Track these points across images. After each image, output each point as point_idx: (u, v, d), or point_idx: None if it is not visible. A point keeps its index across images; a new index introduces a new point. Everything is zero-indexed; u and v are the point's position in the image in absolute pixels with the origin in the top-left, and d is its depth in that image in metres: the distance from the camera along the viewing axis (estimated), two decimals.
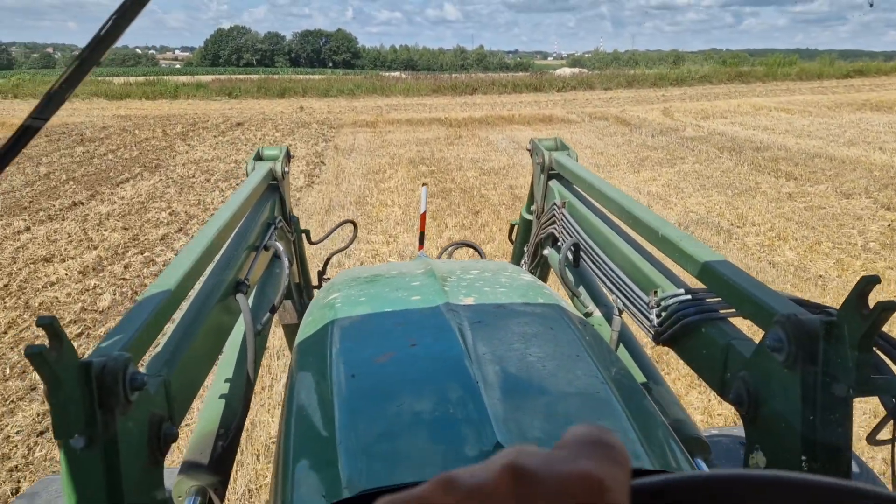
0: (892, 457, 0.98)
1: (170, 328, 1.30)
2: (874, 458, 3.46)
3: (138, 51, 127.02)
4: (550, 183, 2.37)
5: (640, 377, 1.67)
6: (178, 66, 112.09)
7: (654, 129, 18.13)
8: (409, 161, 14.21)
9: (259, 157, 2.38)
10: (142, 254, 7.94)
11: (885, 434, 1.08)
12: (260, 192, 2.11)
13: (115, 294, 6.64)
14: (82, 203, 10.66)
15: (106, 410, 0.88)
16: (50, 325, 0.80)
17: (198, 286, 1.47)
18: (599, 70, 39.98)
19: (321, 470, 0.99)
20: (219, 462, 1.38)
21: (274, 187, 2.29)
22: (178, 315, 1.33)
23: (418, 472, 0.91)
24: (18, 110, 25.93)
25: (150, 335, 1.08)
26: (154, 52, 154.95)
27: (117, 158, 15.17)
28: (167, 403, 1.09)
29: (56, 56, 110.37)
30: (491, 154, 14.71)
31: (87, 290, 6.76)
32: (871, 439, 1.09)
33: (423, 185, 3.36)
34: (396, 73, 45.04)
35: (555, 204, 2.27)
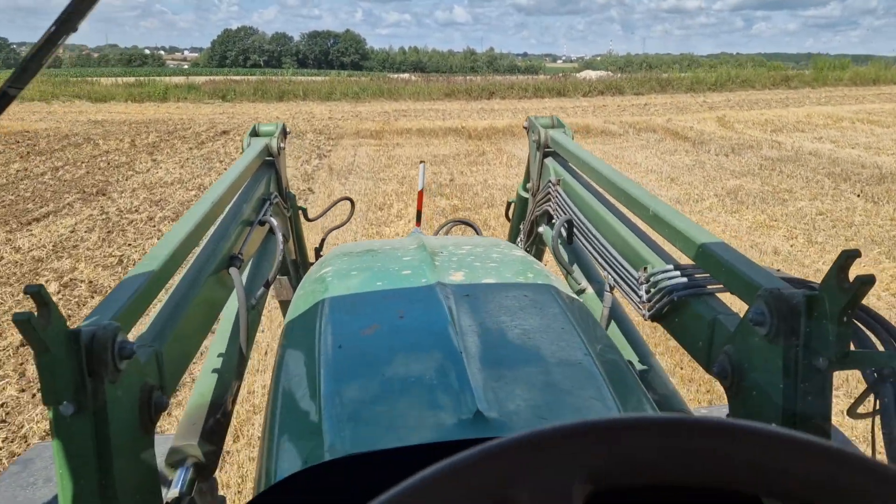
0: (872, 430, 0.95)
1: (163, 300, 1.29)
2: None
3: (147, 51, 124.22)
4: (546, 161, 2.34)
5: (630, 353, 1.65)
6: (185, 66, 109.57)
7: (721, 145, 14.66)
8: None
9: (255, 133, 2.37)
10: None
11: (866, 408, 1.04)
12: (255, 167, 2.10)
13: None
14: None
15: (95, 378, 0.87)
16: (37, 292, 0.79)
17: (192, 259, 1.45)
18: (628, 73, 36.23)
19: (305, 436, 0.99)
20: (211, 434, 1.35)
21: (270, 163, 2.27)
22: (171, 288, 1.32)
23: (399, 437, 0.90)
24: (21, 111, 22.65)
25: (141, 306, 1.07)
26: (163, 52, 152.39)
27: (55, 180, 11.80)
28: (158, 373, 1.09)
29: (64, 56, 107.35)
30: None
31: None
32: (853, 413, 1.09)
33: (421, 162, 3.39)
34: (405, 75, 41.49)
35: (550, 181, 2.23)
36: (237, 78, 34.41)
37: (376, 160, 13.73)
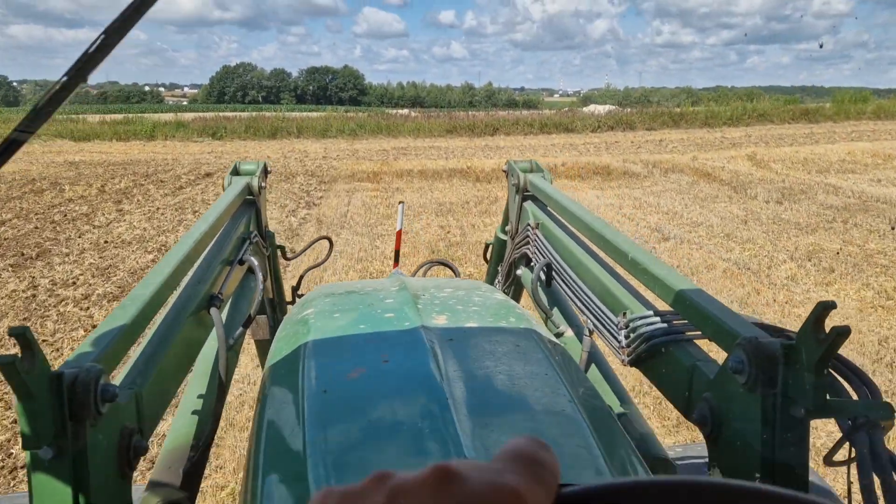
0: (848, 478, 0.94)
1: (143, 340, 1.27)
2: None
3: (147, 87, 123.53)
4: (525, 204, 2.32)
5: (609, 397, 1.64)
6: (184, 102, 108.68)
7: (767, 189, 12.80)
8: (427, 247, 8.92)
9: (236, 172, 2.33)
10: None
11: (842, 455, 1.05)
12: (236, 206, 2.08)
13: None
14: None
15: (76, 422, 0.85)
16: (22, 335, 0.78)
17: (172, 299, 1.43)
18: (639, 107, 34.53)
19: (290, 484, 0.97)
20: (187, 477, 1.32)
21: (250, 202, 2.25)
22: (151, 328, 1.30)
23: None
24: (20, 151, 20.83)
25: (123, 347, 1.05)
26: (163, 89, 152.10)
27: None
28: (138, 416, 1.07)
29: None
30: None
31: None
32: (828, 460, 1.08)
33: (400, 202, 3.39)
34: (404, 111, 39.84)
35: (529, 225, 2.22)
36: (229, 114, 32.77)
37: (373, 209, 11.84)
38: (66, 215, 11.72)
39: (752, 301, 6.52)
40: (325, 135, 27.61)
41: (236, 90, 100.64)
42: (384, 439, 0.99)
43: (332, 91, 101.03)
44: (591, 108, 35.57)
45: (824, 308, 0.90)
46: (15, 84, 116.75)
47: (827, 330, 0.90)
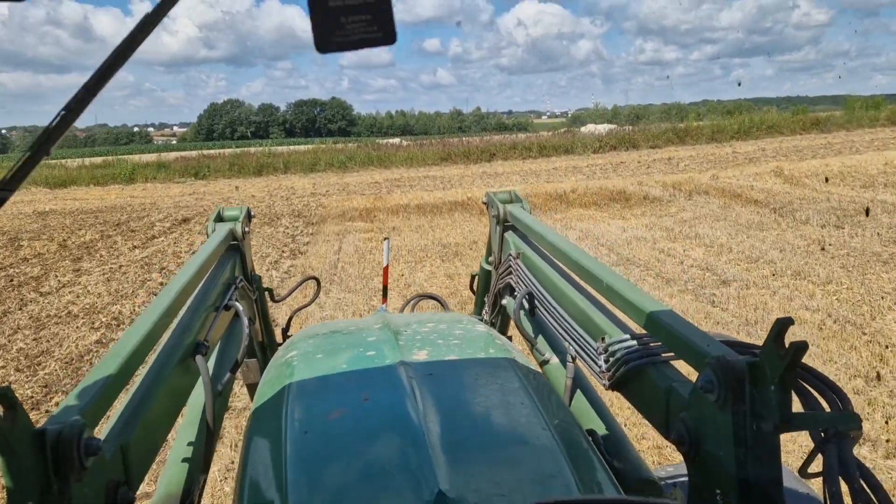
0: (824, 489, 0.94)
1: (129, 391, 1.26)
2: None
3: (136, 128, 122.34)
4: (506, 234, 2.33)
5: (594, 422, 1.63)
6: (174, 142, 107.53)
7: (816, 210, 11.19)
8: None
9: (220, 218, 2.32)
10: None
11: (819, 466, 1.02)
12: (220, 252, 2.06)
13: None
14: None
15: (61, 478, 0.84)
16: (4, 394, 0.77)
17: (158, 349, 1.42)
18: (637, 125, 33.05)
19: None
20: None
21: (235, 247, 2.24)
22: (137, 379, 1.29)
23: None
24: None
25: (107, 400, 1.03)
26: (152, 129, 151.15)
27: None
28: (124, 468, 1.06)
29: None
30: None
31: None
32: (803, 472, 1.08)
33: (385, 238, 3.45)
34: (395, 140, 38.36)
35: (510, 255, 2.23)
36: (212, 152, 31.15)
37: (367, 257, 10.17)
38: (12, 280, 10.02)
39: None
40: (313, 169, 26.04)
41: (224, 127, 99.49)
42: (362, 479, 1.03)
43: (321, 123, 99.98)
44: (589, 128, 34.18)
45: (783, 325, 0.91)
46: (3, 132, 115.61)
47: (787, 345, 0.91)
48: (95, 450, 0.89)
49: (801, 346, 0.89)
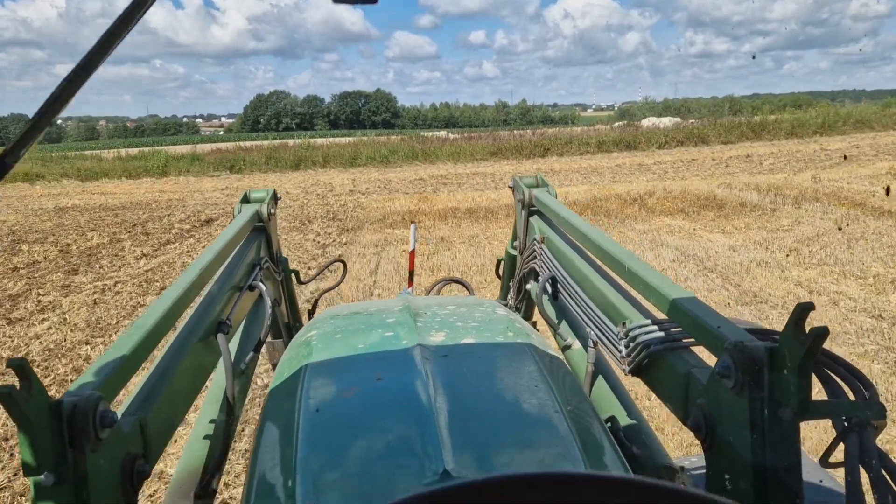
0: (846, 478, 0.91)
1: (149, 368, 1.27)
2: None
3: (185, 119, 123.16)
4: (531, 219, 2.31)
5: (614, 408, 1.59)
6: (221, 132, 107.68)
7: None
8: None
9: (246, 200, 2.30)
10: None
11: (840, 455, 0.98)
12: (245, 233, 2.07)
13: None
14: None
15: (76, 449, 0.85)
16: (20, 366, 0.78)
17: (180, 326, 1.43)
18: (713, 118, 29.97)
19: (280, 502, 0.99)
20: (198, 501, 1.31)
21: (260, 229, 2.23)
22: (158, 355, 1.31)
23: (367, 500, 0.92)
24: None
25: (124, 375, 1.04)
26: (201, 119, 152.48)
27: None
28: (142, 442, 1.06)
29: (99, 128, 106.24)
30: None
31: None
32: (824, 462, 1.07)
33: (412, 223, 3.53)
34: (441, 133, 35.94)
35: (535, 239, 2.20)
36: (249, 144, 29.47)
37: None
38: None
39: None
40: (353, 163, 24.13)
41: (270, 118, 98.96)
42: (368, 457, 1.02)
43: (365, 115, 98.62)
44: (650, 121, 31.39)
45: (804, 309, 0.88)
46: (59, 122, 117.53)
47: (807, 331, 0.88)
48: (111, 422, 0.90)
49: (822, 332, 0.86)
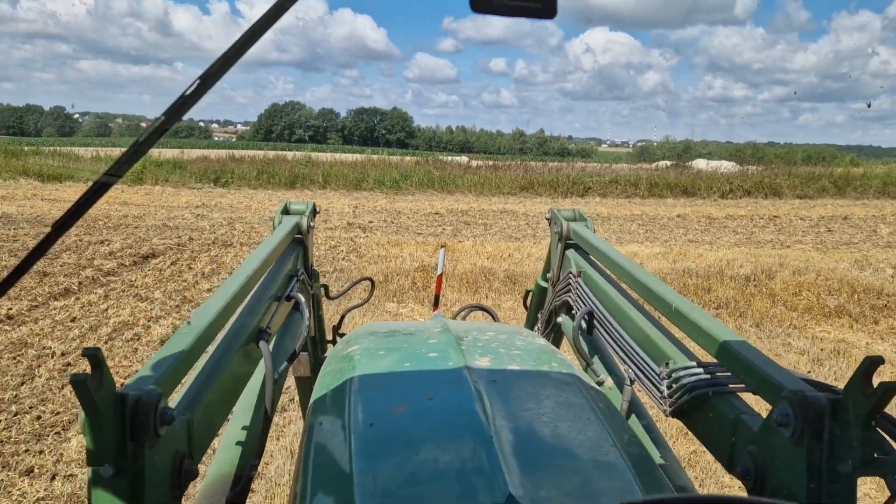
0: None
1: (196, 368, 1.23)
2: None
3: (201, 123, 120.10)
4: (567, 252, 2.29)
5: (649, 447, 1.54)
6: (233, 139, 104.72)
7: None
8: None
9: (286, 211, 2.31)
10: None
11: None
12: (286, 244, 2.05)
13: None
14: None
15: (136, 442, 0.85)
16: (94, 355, 0.78)
17: (223, 331, 1.40)
18: (784, 166, 25.75)
19: None
20: None
21: (299, 241, 2.22)
22: (204, 356, 1.27)
23: None
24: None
25: (180, 373, 1.03)
26: (217, 125, 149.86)
27: None
28: (189, 442, 1.05)
29: (112, 125, 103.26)
30: None
31: None
32: None
33: (441, 247, 3.40)
34: (461, 158, 31.89)
35: (571, 273, 2.17)
36: (240, 154, 25.60)
37: None
38: None
39: None
40: (358, 186, 20.22)
41: (283, 128, 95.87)
42: (430, 474, 0.99)
43: (380, 133, 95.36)
44: (699, 163, 27.41)
45: (872, 363, 0.86)
46: (76, 116, 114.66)
47: (875, 385, 0.86)
48: (170, 419, 0.89)
49: (891, 387, 0.84)
